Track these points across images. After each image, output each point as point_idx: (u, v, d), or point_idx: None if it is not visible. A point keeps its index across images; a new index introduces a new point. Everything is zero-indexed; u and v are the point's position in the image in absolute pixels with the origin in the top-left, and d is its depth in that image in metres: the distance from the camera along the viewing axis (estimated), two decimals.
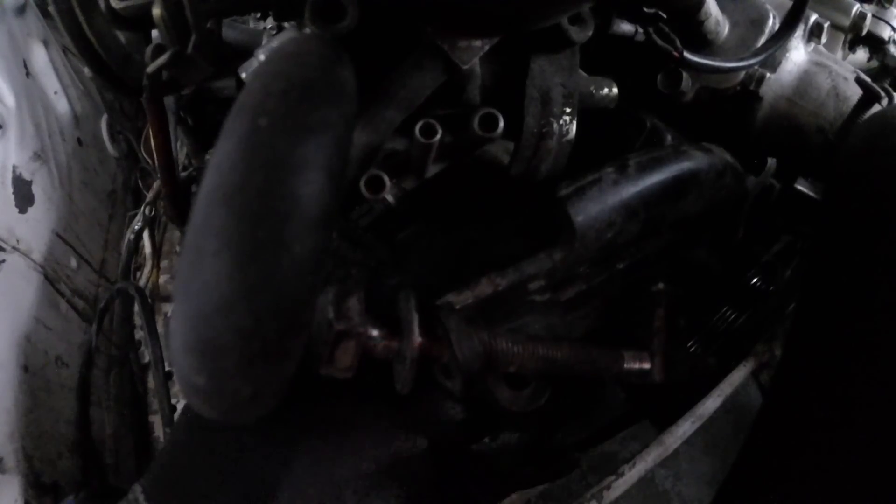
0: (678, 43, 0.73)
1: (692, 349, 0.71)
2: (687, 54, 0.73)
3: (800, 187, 0.92)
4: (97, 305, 1.05)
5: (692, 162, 0.70)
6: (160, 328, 1.10)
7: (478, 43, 0.58)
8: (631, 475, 0.75)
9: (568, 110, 0.69)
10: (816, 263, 0.76)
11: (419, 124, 0.50)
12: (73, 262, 1.07)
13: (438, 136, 0.50)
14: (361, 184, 0.47)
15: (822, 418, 0.61)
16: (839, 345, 0.63)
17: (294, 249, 0.35)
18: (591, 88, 0.75)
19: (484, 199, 0.71)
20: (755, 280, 0.91)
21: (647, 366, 0.61)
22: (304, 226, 0.35)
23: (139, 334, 1.11)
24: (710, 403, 0.78)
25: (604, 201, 0.57)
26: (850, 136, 0.79)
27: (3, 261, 0.92)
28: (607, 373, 0.58)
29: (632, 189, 0.60)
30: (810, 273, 0.78)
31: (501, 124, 0.54)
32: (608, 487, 0.73)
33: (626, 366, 0.59)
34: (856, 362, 0.60)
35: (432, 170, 0.64)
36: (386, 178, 0.48)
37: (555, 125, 0.67)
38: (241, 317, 0.34)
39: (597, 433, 0.86)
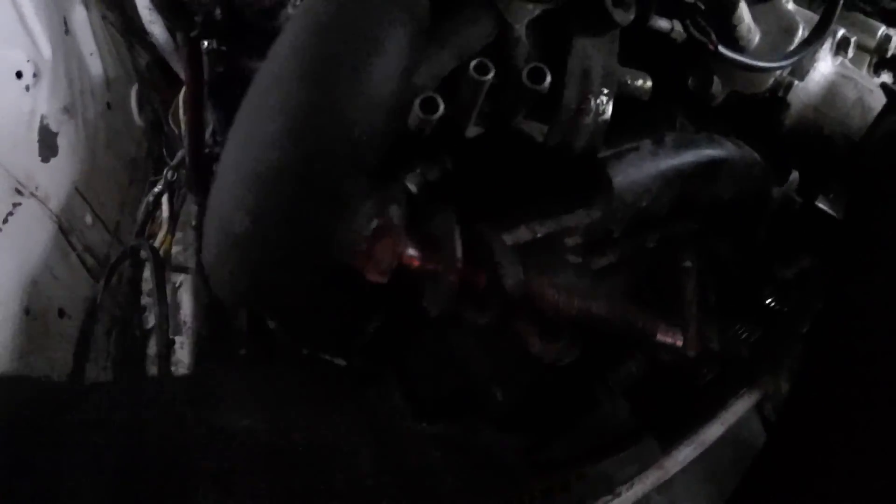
0: (713, 36, 0.75)
1: (740, 331, 0.71)
2: (722, 48, 0.75)
3: (820, 205, 0.94)
4: (107, 264, 1.04)
5: (725, 150, 0.71)
6: (168, 296, 1.09)
7: (530, 6, 0.60)
8: (627, 496, 0.74)
9: (606, 91, 0.70)
10: (838, 275, 0.76)
11: (473, 63, 0.50)
12: (89, 219, 1.06)
13: (491, 75, 0.50)
14: (416, 104, 0.47)
15: (840, 445, 0.59)
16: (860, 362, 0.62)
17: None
18: (627, 78, 0.77)
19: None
20: (769, 301, 0.91)
21: (679, 341, 0.60)
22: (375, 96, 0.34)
23: (145, 300, 1.10)
24: (713, 430, 0.76)
25: (641, 167, 0.58)
26: (873, 137, 0.80)
27: (20, 204, 0.92)
28: (641, 336, 0.58)
29: (669, 161, 0.61)
30: (832, 287, 0.78)
31: (549, 79, 0.55)
32: None
33: (659, 336, 0.58)
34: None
35: (472, 131, 0.65)
36: (440, 100, 0.48)
37: (592, 102, 0.69)
38: (305, 146, 0.33)
39: (599, 448, 0.84)
